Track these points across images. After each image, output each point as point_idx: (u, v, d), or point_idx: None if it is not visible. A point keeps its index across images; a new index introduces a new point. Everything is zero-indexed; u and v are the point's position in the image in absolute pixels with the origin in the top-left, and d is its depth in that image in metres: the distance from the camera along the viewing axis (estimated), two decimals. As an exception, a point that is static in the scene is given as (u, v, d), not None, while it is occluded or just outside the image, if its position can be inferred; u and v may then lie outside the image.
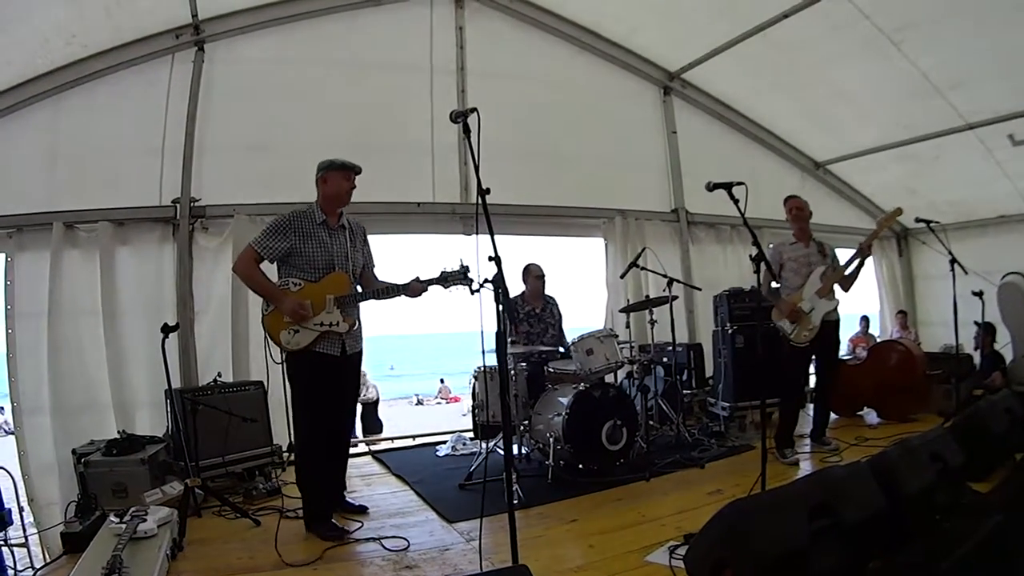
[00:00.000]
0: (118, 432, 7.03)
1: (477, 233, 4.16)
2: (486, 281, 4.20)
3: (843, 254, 8.18)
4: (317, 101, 9.36)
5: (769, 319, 8.18)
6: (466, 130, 4.29)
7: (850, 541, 3.87)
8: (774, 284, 7.88)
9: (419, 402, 33.45)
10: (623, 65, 11.56)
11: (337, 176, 6.00)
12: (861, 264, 7.87)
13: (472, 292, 5.08)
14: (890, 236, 14.58)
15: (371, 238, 6.60)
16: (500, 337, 4.13)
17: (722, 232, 12.12)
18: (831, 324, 7.98)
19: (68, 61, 8.23)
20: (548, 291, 9.49)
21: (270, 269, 6.10)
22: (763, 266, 5.75)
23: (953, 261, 8.33)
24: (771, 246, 8.34)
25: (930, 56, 9.45)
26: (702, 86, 12.10)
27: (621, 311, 9.31)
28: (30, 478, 7.60)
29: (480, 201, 4.16)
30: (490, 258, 4.11)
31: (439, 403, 32.89)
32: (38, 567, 5.61)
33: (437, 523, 6.16)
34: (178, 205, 8.54)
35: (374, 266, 6.45)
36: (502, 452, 5.44)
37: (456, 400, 30.89)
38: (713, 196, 5.85)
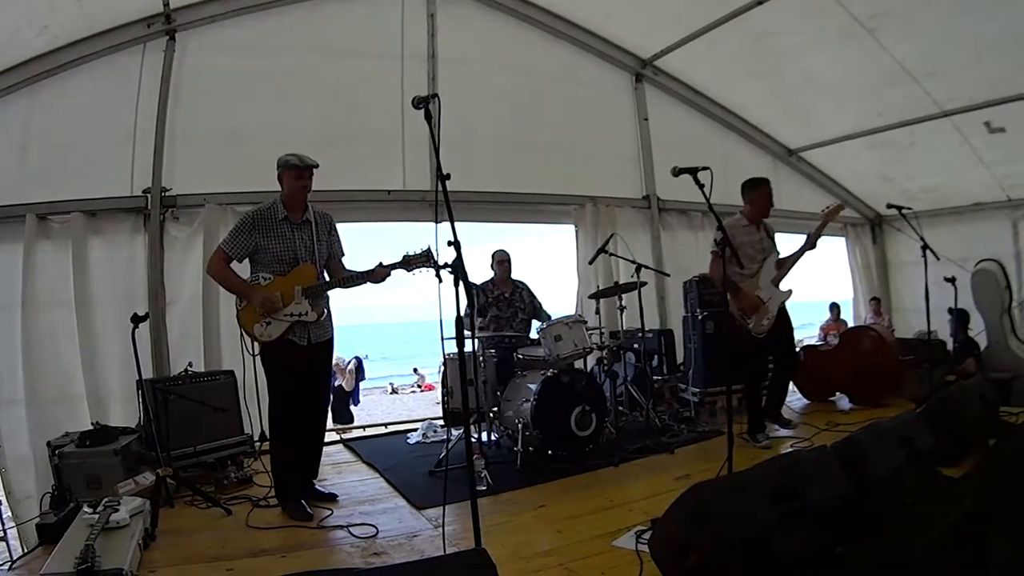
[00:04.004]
0: (92, 423, 7.00)
1: (436, 217, 4.18)
2: (445, 265, 4.20)
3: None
4: (288, 89, 9.36)
5: None
6: (427, 116, 4.29)
7: (816, 525, 3.88)
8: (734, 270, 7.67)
9: (394, 391, 33.24)
10: (595, 52, 11.58)
11: (290, 176, 6.07)
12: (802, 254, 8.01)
13: (437, 274, 5.09)
14: (864, 223, 14.70)
15: (342, 226, 6.66)
16: (460, 321, 4.14)
17: (693, 218, 12.20)
18: (782, 311, 8.04)
19: (40, 52, 8.18)
20: (519, 276, 9.60)
21: (245, 268, 6.21)
22: (727, 252, 5.79)
23: (925, 247, 8.34)
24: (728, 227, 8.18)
25: (905, 44, 9.48)
26: (674, 73, 12.12)
27: (590, 297, 9.31)
28: (7, 472, 7.64)
29: (440, 187, 4.15)
30: (449, 243, 4.11)
31: (413, 391, 32.72)
32: (15, 559, 5.60)
33: (406, 510, 6.19)
34: (149, 195, 8.52)
35: (342, 255, 6.53)
36: (474, 439, 5.46)
37: (431, 388, 30.72)
38: (684, 183, 5.86)
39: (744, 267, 7.74)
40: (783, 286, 7.99)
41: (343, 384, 18.77)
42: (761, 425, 7.95)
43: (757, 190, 8.12)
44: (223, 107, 9.06)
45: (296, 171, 6.03)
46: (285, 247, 6.05)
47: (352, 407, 18.91)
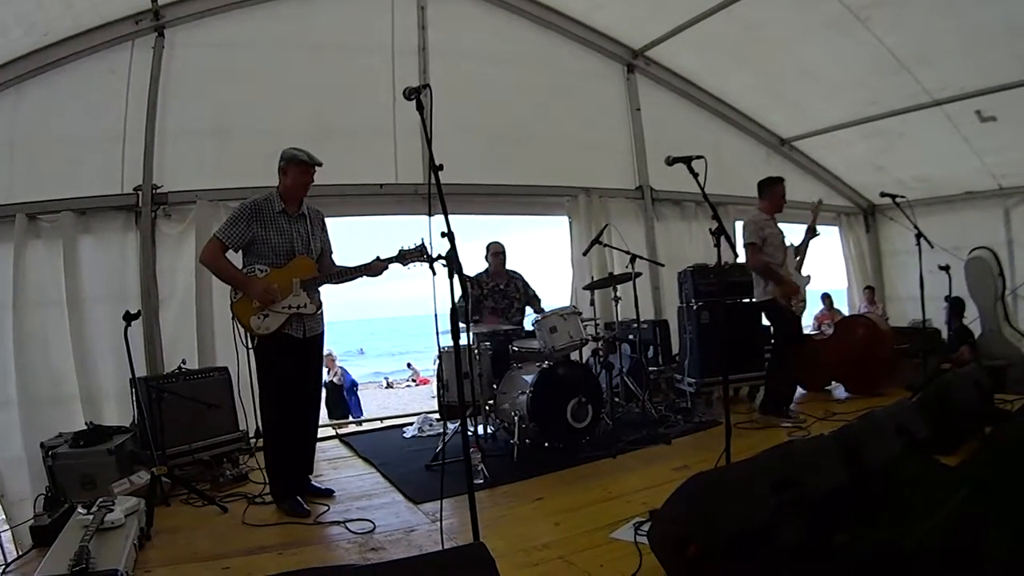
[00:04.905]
0: (85, 423, 6.99)
1: (430, 208, 4.17)
2: (439, 256, 4.20)
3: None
4: (277, 84, 9.32)
5: (733, 295, 9.00)
6: (419, 107, 4.27)
7: (815, 515, 3.87)
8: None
9: (389, 385, 33.15)
10: (587, 43, 11.56)
11: (297, 171, 6.05)
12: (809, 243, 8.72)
13: (431, 267, 5.07)
14: (857, 212, 14.75)
15: (334, 220, 6.72)
16: (455, 312, 4.12)
17: (687, 209, 12.18)
18: None
19: (28, 51, 8.13)
20: (514, 267, 9.61)
21: (235, 259, 6.15)
22: (723, 240, 5.77)
23: (919, 236, 8.36)
24: (749, 220, 8.59)
25: (896, 33, 9.49)
26: (666, 64, 12.10)
27: (585, 288, 9.33)
28: (0, 474, 7.58)
29: (433, 178, 4.14)
30: (443, 234, 4.10)
31: (408, 386, 32.68)
32: (9, 562, 5.57)
33: (403, 504, 6.16)
34: (140, 192, 8.48)
35: (332, 252, 6.52)
36: (470, 432, 5.46)
37: (426, 382, 30.65)
38: (677, 173, 5.86)
39: (772, 257, 8.32)
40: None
41: (334, 379, 18.69)
42: (789, 399, 8.49)
43: (775, 187, 8.60)
44: (213, 103, 9.03)
45: (304, 167, 6.04)
46: (283, 239, 6.03)
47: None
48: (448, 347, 7.45)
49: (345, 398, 18.54)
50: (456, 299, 4.18)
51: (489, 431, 8.41)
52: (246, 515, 5.88)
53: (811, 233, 8.64)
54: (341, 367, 19.39)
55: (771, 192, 8.57)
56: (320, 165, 6.14)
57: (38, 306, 8.00)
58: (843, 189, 14.23)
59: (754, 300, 8.67)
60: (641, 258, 9.07)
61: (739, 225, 11.46)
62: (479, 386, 7.76)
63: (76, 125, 8.39)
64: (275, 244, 6.00)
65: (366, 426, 10.25)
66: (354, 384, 19.59)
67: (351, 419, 15.92)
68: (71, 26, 8.25)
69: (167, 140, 8.69)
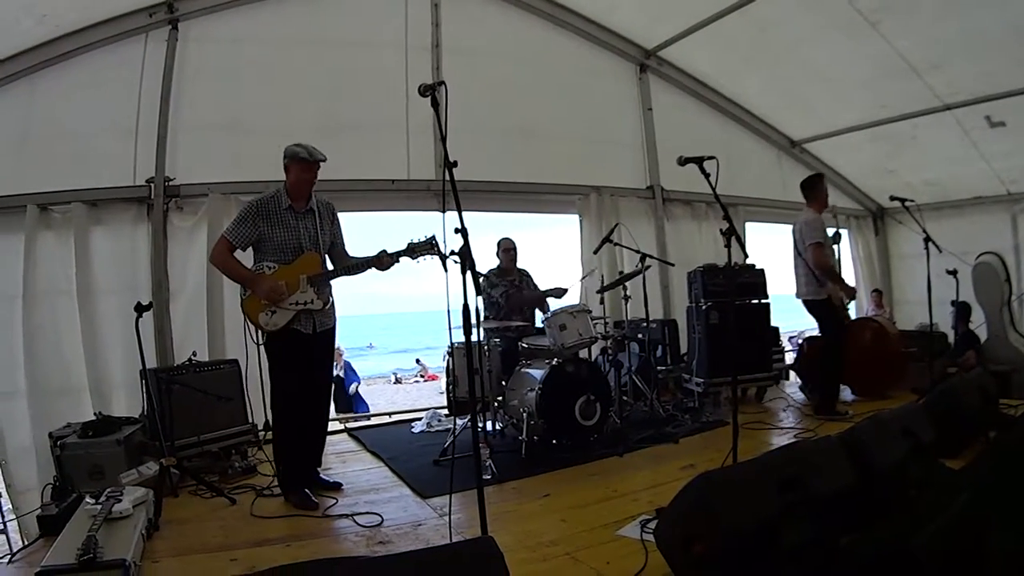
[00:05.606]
0: (95, 414, 6.98)
1: (444, 205, 4.18)
2: (452, 253, 4.21)
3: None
4: (291, 79, 9.33)
5: (742, 296, 9.15)
6: (434, 103, 4.29)
7: (821, 516, 3.89)
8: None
9: (397, 380, 33.13)
10: (599, 42, 11.53)
11: (298, 168, 6.03)
12: None
13: (442, 262, 5.08)
14: (866, 215, 14.72)
15: (345, 216, 6.67)
16: (467, 309, 4.13)
17: (697, 209, 12.16)
18: None
19: (39, 42, 8.13)
20: (523, 266, 9.64)
21: (248, 255, 6.17)
22: (733, 240, 5.78)
23: (927, 240, 8.37)
24: (811, 220, 8.51)
25: (907, 37, 9.49)
26: (679, 64, 12.08)
27: (598, 292, 9.24)
28: (7, 464, 7.59)
29: (447, 175, 4.15)
30: (456, 230, 4.11)
31: (417, 382, 32.67)
32: (16, 551, 5.58)
33: (411, 499, 6.17)
34: (152, 185, 8.49)
35: (344, 244, 6.50)
36: (479, 428, 5.47)
37: (434, 378, 30.60)
38: (688, 173, 5.89)
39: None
40: None
41: (340, 373, 18.65)
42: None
43: (819, 185, 8.68)
44: (226, 96, 9.04)
45: (304, 164, 6.01)
46: (289, 236, 6.03)
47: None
48: (459, 343, 7.47)
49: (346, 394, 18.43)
50: (475, 299, 4.20)
51: (498, 427, 8.39)
52: (254, 507, 5.90)
53: (836, 236, 8.69)
54: (347, 361, 19.33)
55: (817, 190, 8.59)
56: (323, 160, 6.12)
57: (48, 297, 8.02)
58: (852, 192, 14.24)
59: (805, 298, 8.60)
60: (651, 257, 9.10)
61: (749, 226, 11.51)
62: (488, 382, 7.78)
63: (88, 117, 8.39)
64: (282, 241, 6.01)
65: (374, 421, 10.27)
66: (355, 381, 19.45)
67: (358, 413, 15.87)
68: (83, 18, 8.26)
69: (180, 133, 8.70)
